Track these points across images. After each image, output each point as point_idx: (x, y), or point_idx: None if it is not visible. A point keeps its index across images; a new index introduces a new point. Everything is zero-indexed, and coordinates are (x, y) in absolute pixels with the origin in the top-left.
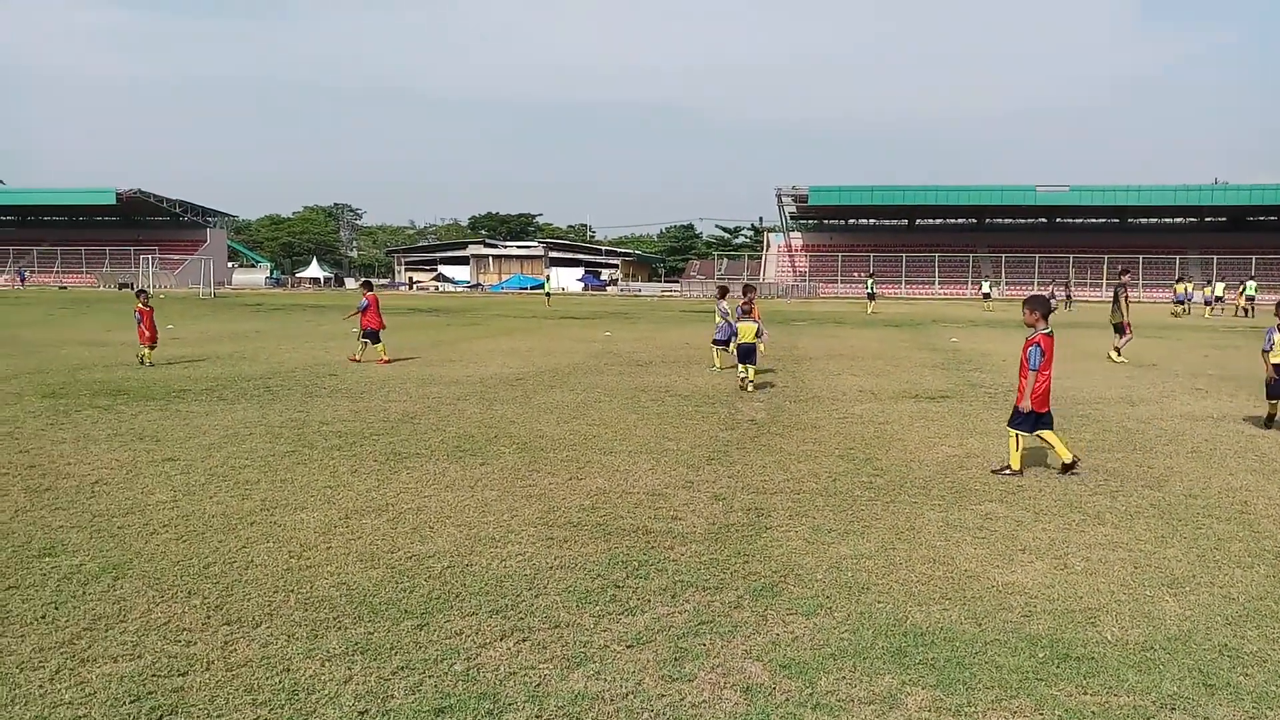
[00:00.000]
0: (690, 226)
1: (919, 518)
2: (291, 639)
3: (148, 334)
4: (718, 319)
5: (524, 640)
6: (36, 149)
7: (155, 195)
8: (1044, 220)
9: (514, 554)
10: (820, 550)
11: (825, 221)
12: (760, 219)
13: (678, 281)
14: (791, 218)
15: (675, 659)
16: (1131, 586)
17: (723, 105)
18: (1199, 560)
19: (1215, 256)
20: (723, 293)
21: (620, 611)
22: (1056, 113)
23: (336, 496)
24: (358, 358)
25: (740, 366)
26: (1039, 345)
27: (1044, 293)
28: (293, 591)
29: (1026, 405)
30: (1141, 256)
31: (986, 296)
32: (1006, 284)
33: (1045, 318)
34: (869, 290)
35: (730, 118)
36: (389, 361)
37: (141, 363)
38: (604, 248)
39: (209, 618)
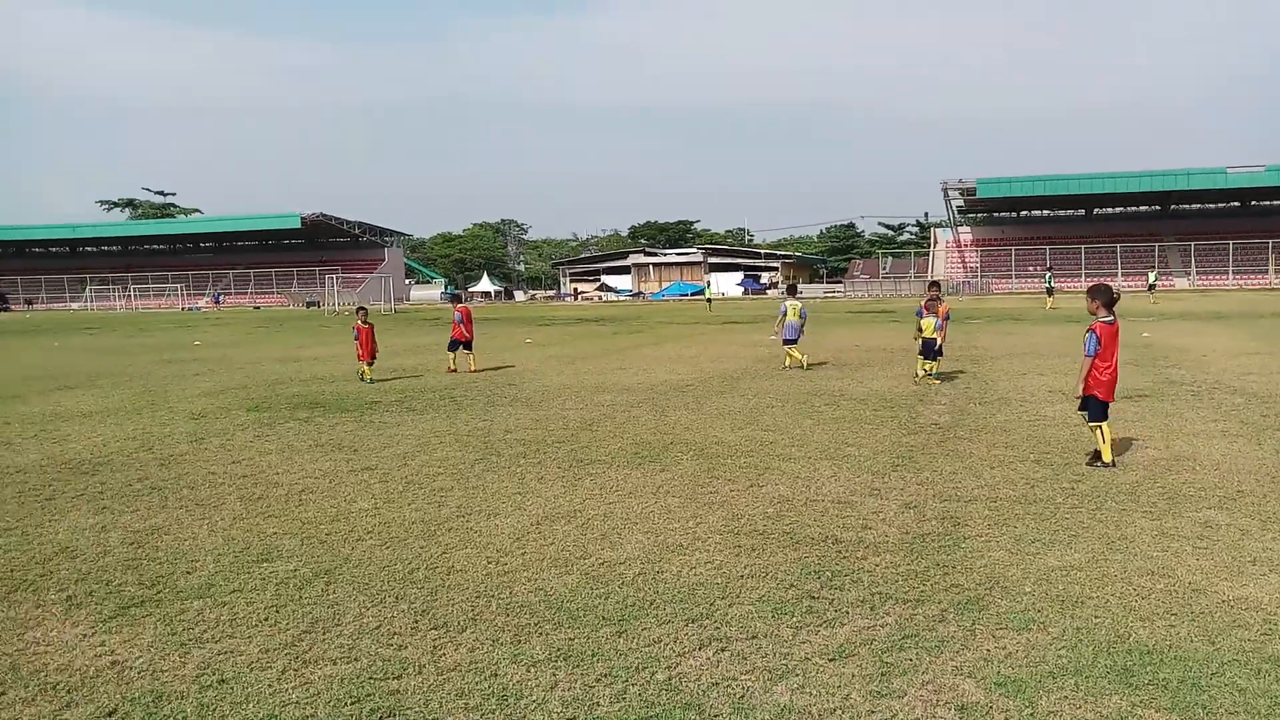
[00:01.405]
0: (851, 225)
1: (1130, 526)
2: (496, 644)
3: (366, 351)
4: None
5: (723, 650)
6: (229, 179)
7: (336, 218)
8: (1237, 204)
9: (703, 561)
10: (1026, 561)
11: (995, 214)
12: (925, 214)
13: (840, 282)
14: (959, 212)
15: (881, 674)
16: None
17: (878, 102)
18: None
19: None
20: (792, 290)
21: (818, 623)
22: (1249, 84)
23: (526, 503)
24: (454, 368)
25: (920, 360)
26: (1094, 332)
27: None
28: (494, 597)
29: (1078, 391)
30: None
31: (1151, 288)
32: (1198, 273)
33: (1107, 306)
34: (1047, 284)
35: (887, 114)
36: (476, 370)
37: (361, 379)
38: (763, 251)
39: (417, 622)
